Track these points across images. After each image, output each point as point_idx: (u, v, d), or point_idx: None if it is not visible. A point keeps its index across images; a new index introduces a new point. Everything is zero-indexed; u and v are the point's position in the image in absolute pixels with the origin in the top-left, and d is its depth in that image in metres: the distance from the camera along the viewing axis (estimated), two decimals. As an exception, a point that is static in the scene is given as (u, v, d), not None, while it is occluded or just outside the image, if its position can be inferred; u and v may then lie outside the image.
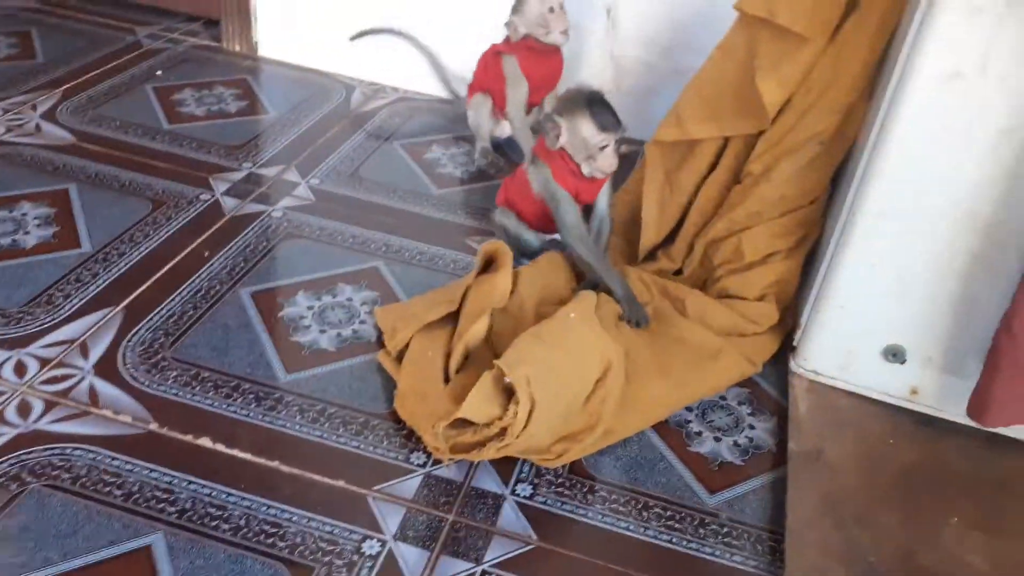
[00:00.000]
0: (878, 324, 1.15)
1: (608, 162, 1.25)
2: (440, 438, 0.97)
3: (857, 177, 1.11)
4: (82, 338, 1.20)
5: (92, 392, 1.11)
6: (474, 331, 1.10)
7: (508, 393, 0.99)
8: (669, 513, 1.04)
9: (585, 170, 1.26)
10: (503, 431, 0.98)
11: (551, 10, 1.56)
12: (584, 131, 1.23)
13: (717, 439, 1.16)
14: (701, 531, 1.02)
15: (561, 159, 1.27)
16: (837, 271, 1.14)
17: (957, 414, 1.15)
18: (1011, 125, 0.98)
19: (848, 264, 1.13)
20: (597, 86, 1.30)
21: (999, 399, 1.02)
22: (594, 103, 1.23)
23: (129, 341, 1.20)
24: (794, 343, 1.26)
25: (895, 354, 1.15)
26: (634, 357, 1.13)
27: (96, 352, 1.18)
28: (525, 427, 0.97)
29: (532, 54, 1.63)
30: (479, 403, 0.97)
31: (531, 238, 1.38)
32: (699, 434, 1.16)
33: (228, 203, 1.53)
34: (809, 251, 1.30)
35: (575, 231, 1.26)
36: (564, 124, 1.24)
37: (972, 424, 1.09)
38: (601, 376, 1.04)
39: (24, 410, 1.08)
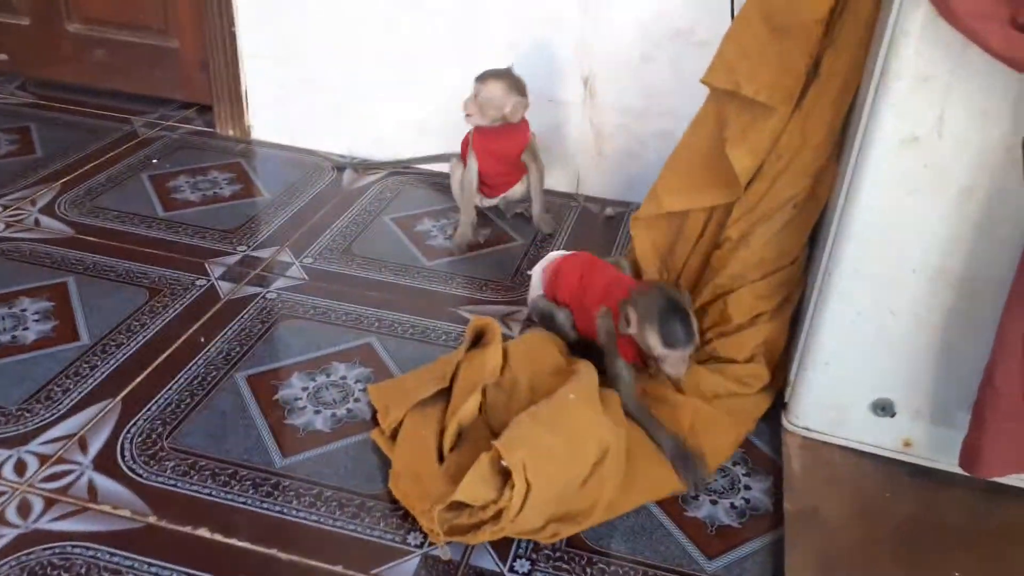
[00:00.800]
0: (864, 379, 1.16)
1: (674, 370, 1.19)
2: (436, 520, 0.98)
3: (831, 237, 1.14)
4: (81, 432, 1.21)
5: (91, 487, 1.13)
6: (467, 408, 1.12)
7: (504, 475, 1.00)
8: (668, 582, 1.04)
9: (651, 362, 1.25)
10: (498, 514, 0.99)
11: (474, 96, 1.66)
12: (651, 340, 1.18)
13: (714, 502, 1.16)
14: (701, 599, 1.02)
15: (629, 338, 1.23)
16: (819, 329, 1.16)
17: (951, 464, 1.15)
18: (972, 184, 1.01)
19: (829, 322, 1.15)
20: (677, 295, 1.21)
21: (989, 450, 1.03)
22: (666, 317, 1.16)
23: (127, 433, 1.22)
24: (785, 400, 1.27)
25: (884, 408, 1.17)
26: (636, 438, 1.14)
27: (95, 446, 1.19)
28: (520, 511, 0.97)
29: (483, 132, 1.71)
30: (475, 485, 0.99)
31: (570, 334, 1.37)
32: (695, 498, 1.16)
33: (224, 287, 1.56)
34: (794, 309, 1.32)
35: (630, 390, 1.23)
36: (634, 319, 1.19)
37: (968, 474, 1.10)
38: (598, 460, 1.05)
39: (24, 509, 1.09)
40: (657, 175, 1.92)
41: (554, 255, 1.49)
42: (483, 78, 1.65)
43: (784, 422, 1.26)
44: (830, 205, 1.21)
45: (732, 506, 1.16)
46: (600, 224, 1.88)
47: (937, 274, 1.06)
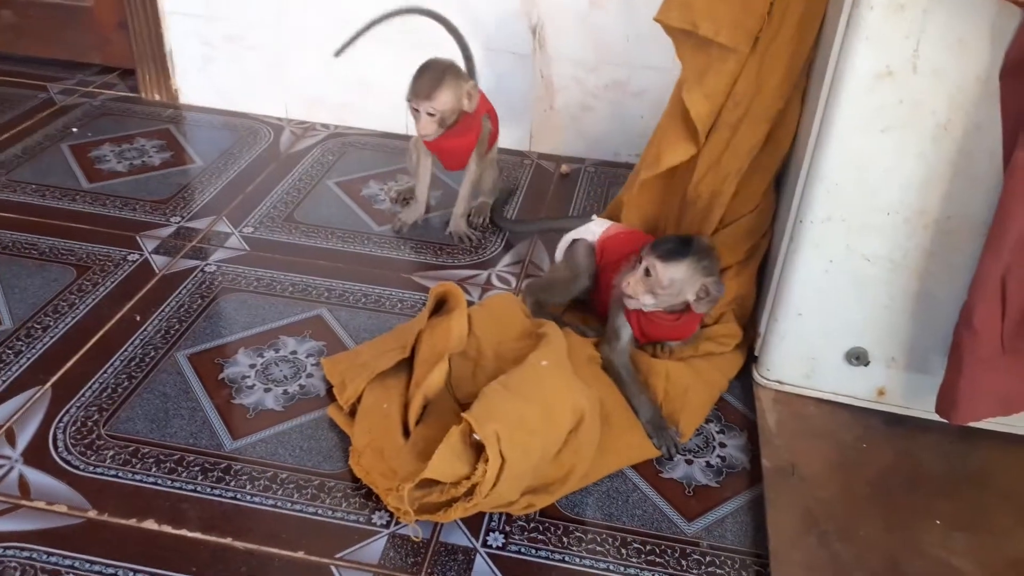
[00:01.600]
0: (838, 328, 1.13)
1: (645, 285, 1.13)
2: (406, 500, 0.91)
3: (800, 183, 1.09)
4: (7, 424, 1.11)
5: (22, 482, 1.03)
6: (432, 379, 1.05)
7: (476, 449, 0.94)
8: (649, 547, 1.00)
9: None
10: (471, 489, 0.93)
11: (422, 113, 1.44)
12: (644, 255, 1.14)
13: (689, 462, 1.12)
14: (684, 563, 0.98)
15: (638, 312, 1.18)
16: (791, 279, 1.12)
17: (926, 411, 1.13)
18: (948, 119, 0.97)
19: (801, 271, 1.11)
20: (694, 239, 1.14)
21: (966, 395, 1.01)
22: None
23: (60, 422, 1.12)
24: (755, 354, 1.24)
25: (858, 357, 1.14)
26: (610, 402, 1.09)
27: (24, 438, 1.09)
28: (494, 485, 0.92)
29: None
30: (446, 461, 0.92)
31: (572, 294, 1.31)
32: (670, 459, 1.12)
33: (158, 261, 1.46)
34: (760, 261, 1.28)
35: (625, 347, 1.18)
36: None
37: (942, 419, 1.08)
38: (574, 427, 1.00)
39: (-53, 511, 0.99)
40: (610, 128, 1.87)
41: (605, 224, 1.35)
42: (423, 92, 1.42)
43: (756, 376, 1.22)
44: (797, 149, 1.16)
45: (708, 464, 1.12)
46: (555, 182, 1.82)
47: (913, 216, 1.03)
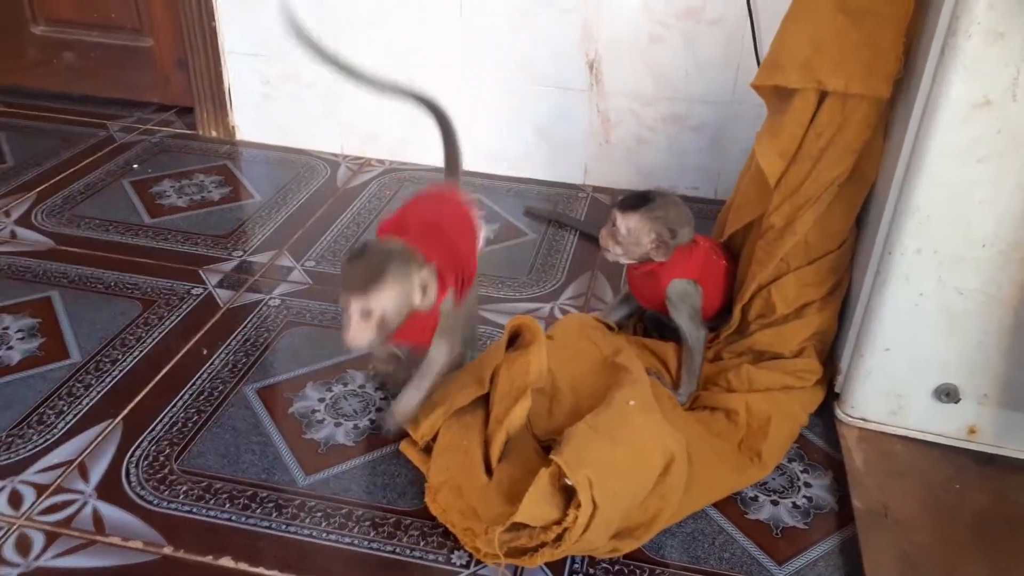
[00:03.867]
0: (927, 364, 1.09)
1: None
2: (495, 544, 0.88)
3: (887, 215, 1.07)
4: (80, 458, 1.10)
5: (96, 517, 1.02)
6: (515, 416, 1.02)
7: (566, 492, 0.91)
8: (740, 592, 0.96)
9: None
10: (560, 535, 0.90)
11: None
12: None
13: (775, 503, 1.08)
14: (777, 609, 0.94)
15: None
16: (878, 313, 1.09)
17: (1020, 450, 1.09)
18: (1048, 148, 0.94)
19: (890, 304, 1.08)
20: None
21: (1070, 433, 0.97)
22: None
23: (132, 456, 1.11)
24: (836, 391, 1.20)
25: (948, 394, 1.10)
26: (692, 444, 1.06)
27: (97, 472, 1.08)
28: (584, 531, 0.89)
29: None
30: (537, 505, 0.89)
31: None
32: (755, 499, 1.09)
33: (222, 295, 1.46)
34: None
35: (701, 346, 1.24)
36: None
37: (1038, 460, 1.04)
38: (663, 471, 0.97)
39: (24, 546, 0.98)
40: (667, 161, 1.86)
41: None
42: (356, 285, 0.97)
43: (838, 413, 1.18)
44: (882, 180, 1.14)
45: (795, 505, 1.08)
46: (612, 215, 1.80)
47: (1009, 249, 1.00)
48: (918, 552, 0.98)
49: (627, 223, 1.21)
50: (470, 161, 1.92)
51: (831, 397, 1.21)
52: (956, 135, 0.96)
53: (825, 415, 1.21)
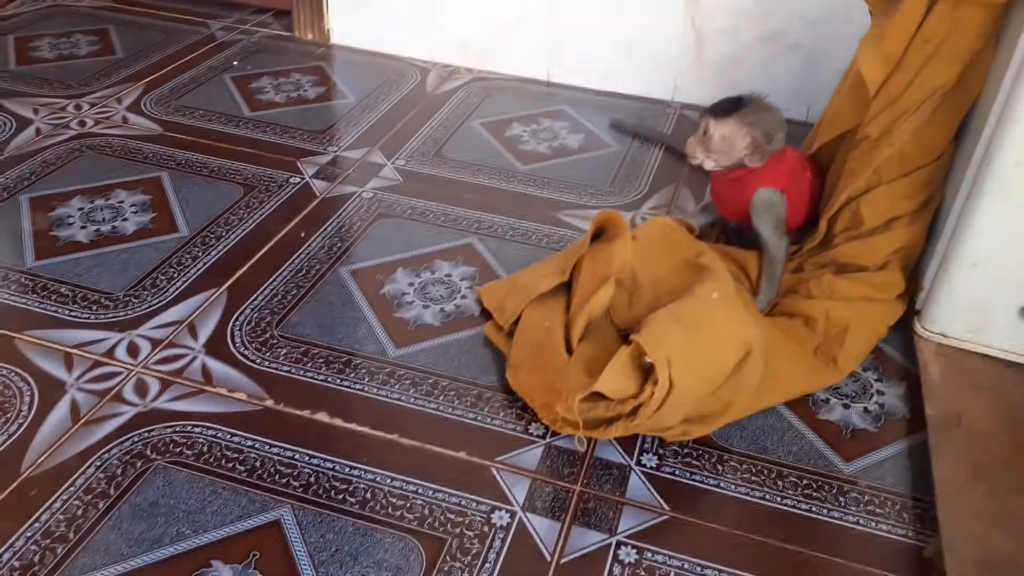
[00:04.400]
0: (1015, 281, 1.09)
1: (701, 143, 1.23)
2: (575, 410, 0.93)
3: (990, 125, 1.05)
4: (189, 319, 1.19)
5: (205, 371, 1.11)
6: (598, 300, 1.06)
7: (645, 371, 0.95)
8: (805, 481, 1.00)
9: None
10: (635, 409, 0.94)
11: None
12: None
13: (846, 406, 1.11)
14: (841, 499, 0.98)
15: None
16: (970, 227, 1.08)
17: (1104, 374, 1.08)
18: None
19: (982, 218, 1.07)
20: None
21: None
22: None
23: (236, 321, 1.20)
24: (917, 307, 1.20)
25: (1034, 313, 1.09)
26: (768, 345, 1.08)
27: (205, 332, 1.17)
28: (659, 408, 0.93)
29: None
30: (617, 378, 0.94)
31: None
32: (826, 401, 1.11)
33: (318, 185, 1.52)
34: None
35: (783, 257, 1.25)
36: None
37: (1123, 384, 1.03)
38: (740, 361, 1.00)
39: (141, 389, 1.07)
40: (760, 81, 1.83)
41: None
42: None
43: (917, 328, 1.19)
44: (989, 91, 1.11)
45: (866, 410, 1.10)
46: (698, 133, 1.79)
47: (1116, 163, 0.97)
48: (990, 461, 0.99)
49: (721, 129, 1.20)
50: (556, 72, 1.94)
51: (911, 313, 1.21)
52: (1072, 42, 0.93)
53: (904, 330, 1.22)
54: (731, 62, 1.82)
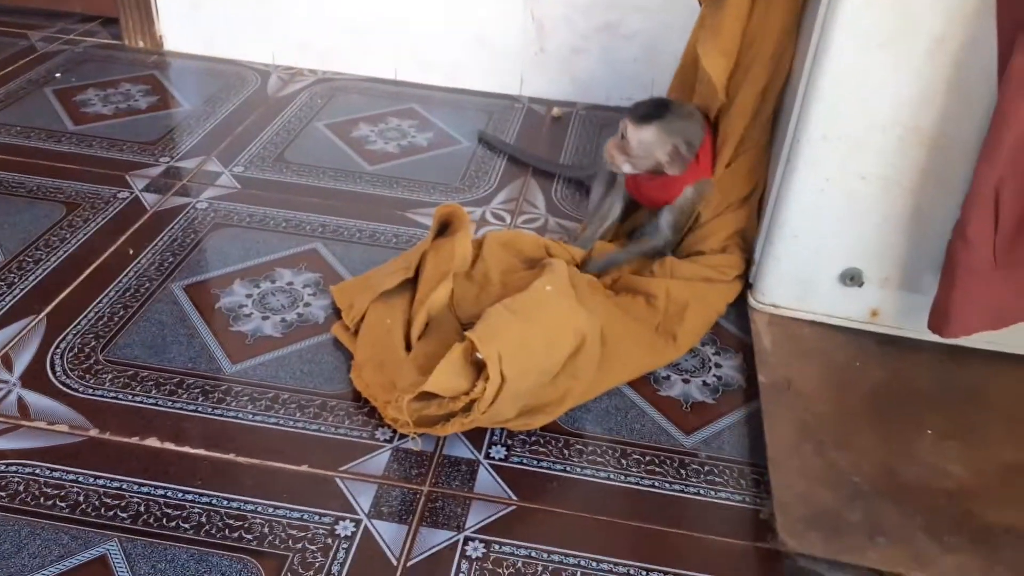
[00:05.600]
0: (833, 249, 1.15)
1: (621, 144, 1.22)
2: (404, 410, 0.92)
3: (797, 103, 1.10)
4: (3, 350, 1.10)
5: (21, 404, 1.03)
6: (436, 296, 1.05)
7: (477, 367, 0.95)
8: (648, 458, 1.02)
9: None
10: (469, 405, 0.94)
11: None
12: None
13: (686, 381, 1.14)
14: (683, 472, 1.00)
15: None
16: (787, 200, 1.13)
17: (918, 331, 1.15)
18: (944, 33, 0.98)
19: (797, 192, 1.12)
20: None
21: (958, 308, 1.03)
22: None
23: (56, 348, 1.11)
24: (750, 280, 1.25)
25: (852, 277, 1.15)
26: (608, 326, 1.09)
27: (21, 363, 1.09)
28: (493, 402, 0.92)
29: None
30: (447, 376, 0.93)
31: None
32: (667, 378, 1.14)
33: (149, 199, 1.44)
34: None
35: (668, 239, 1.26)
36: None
37: (933, 339, 1.10)
38: (574, 350, 1.01)
39: (-55, 431, 0.98)
40: (602, 71, 1.87)
41: None
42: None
43: (751, 300, 1.24)
44: (795, 69, 1.17)
45: (704, 383, 1.14)
46: (547, 126, 1.81)
47: (907, 133, 1.04)
48: (815, 421, 1.04)
49: (640, 135, 1.16)
50: (403, 71, 1.92)
51: (747, 288, 1.26)
52: (859, 20, 0.99)
53: (740, 304, 1.26)
54: (573, 53, 1.84)
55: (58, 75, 1.86)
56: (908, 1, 0.96)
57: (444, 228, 1.18)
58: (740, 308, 1.26)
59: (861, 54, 1.01)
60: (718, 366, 1.17)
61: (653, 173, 1.20)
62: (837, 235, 1.13)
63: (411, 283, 1.14)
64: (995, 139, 0.93)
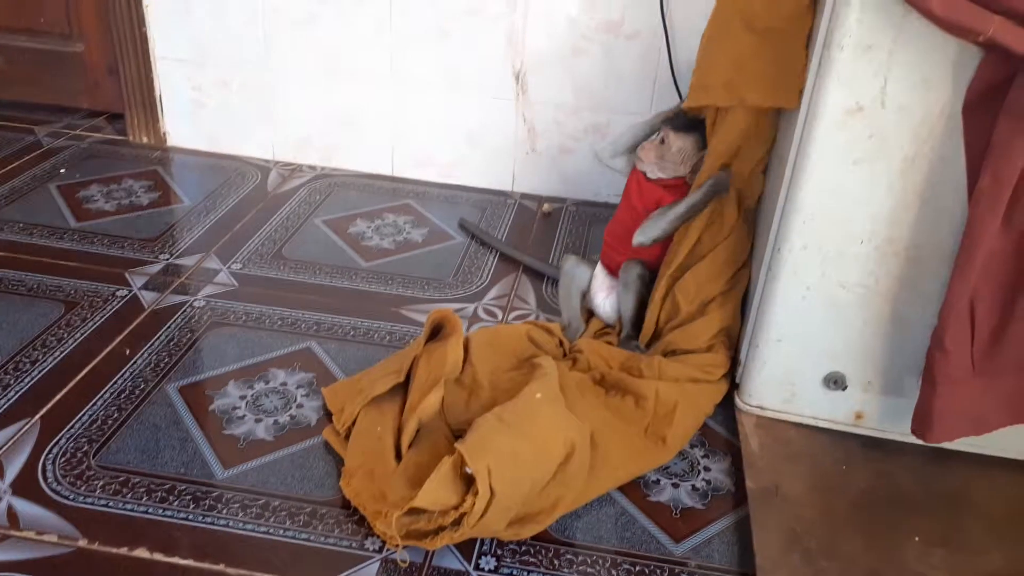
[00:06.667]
0: (816, 354, 1.17)
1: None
2: (393, 526, 0.92)
3: (777, 214, 1.14)
4: (-4, 456, 1.11)
5: (11, 513, 1.03)
6: (428, 404, 1.06)
7: (467, 480, 0.96)
8: (639, 568, 1.02)
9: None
10: (459, 519, 0.95)
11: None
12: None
13: (675, 485, 1.14)
14: (672, 583, 1.00)
15: None
16: (770, 306, 1.16)
17: (902, 433, 1.17)
18: (914, 152, 1.02)
19: (779, 298, 1.15)
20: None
21: (940, 414, 1.05)
22: None
23: (49, 453, 1.12)
24: (736, 381, 1.27)
25: (836, 381, 1.17)
26: (598, 430, 1.11)
27: (12, 469, 1.09)
28: (482, 517, 0.93)
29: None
30: (436, 491, 0.94)
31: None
32: (656, 482, 1.15)
33: (147, 297, 1.47)
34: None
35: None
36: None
37: (917, 442, 1.11)
38: (564, 460, 1.02)
39: (-66, 542, 0.98)
40: (590, 169, 1.93)
41: None
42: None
43: (738, 402, 1.25)
44: (774, 181, 1.22)
45: (694, 488, 1.14)
46: (538, 221, 1.86)
47: (884, 244, 1.08)
48: (803, 527, 1.05)
49: (681, 142, 1.30)
50: (400, 167, 1.98)
51: (733, 388, 1.28)
52: (834, 139, 1.04)
53: (727, 405, 1.28)
54: (561, 152, 1.91)
55: (62, 170, 1.91)
56: (880, 123, 1.01)
57: (436, 332, 1.20)
58: (727, 408, 1.28)
59: (837, 171, 1.05)
60: (707, 469, 1.18)
61: (664, 180, 1.31)
62: (820, 340, 1.16)
63: (402, 387, 1.16)
64: (967, 255, 0.97)
